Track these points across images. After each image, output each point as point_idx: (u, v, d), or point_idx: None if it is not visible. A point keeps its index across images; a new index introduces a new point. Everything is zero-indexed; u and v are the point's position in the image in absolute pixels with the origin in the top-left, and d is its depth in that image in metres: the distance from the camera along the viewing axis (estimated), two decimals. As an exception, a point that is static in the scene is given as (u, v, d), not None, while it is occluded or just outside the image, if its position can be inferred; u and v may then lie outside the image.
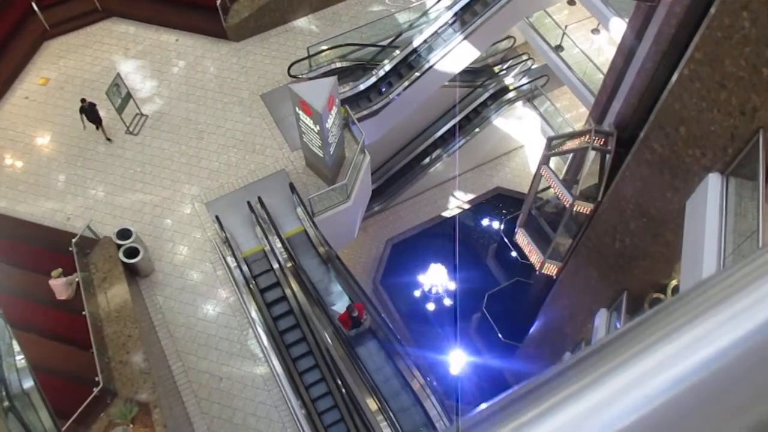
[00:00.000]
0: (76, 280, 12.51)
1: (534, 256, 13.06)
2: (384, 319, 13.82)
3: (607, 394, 0.65)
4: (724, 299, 0.68)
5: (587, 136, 10.89)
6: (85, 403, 10.80)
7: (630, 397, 0.64)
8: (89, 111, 14.84)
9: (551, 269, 12.77)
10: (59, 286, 12.33)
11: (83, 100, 14.80)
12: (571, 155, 11.99)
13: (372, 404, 12.21)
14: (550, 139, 11.98)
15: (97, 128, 15.29)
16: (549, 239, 12.37)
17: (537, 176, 11.97)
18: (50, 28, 17.00)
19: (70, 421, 10.62)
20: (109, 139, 15.38)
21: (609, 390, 0.65)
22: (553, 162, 22.01)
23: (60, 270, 12.35)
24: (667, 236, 8.86)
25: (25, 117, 15.82)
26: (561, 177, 11.48)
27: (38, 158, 15.24)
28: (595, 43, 19.60)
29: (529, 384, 0.70)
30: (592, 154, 10.49)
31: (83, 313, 11.97)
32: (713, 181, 7.16)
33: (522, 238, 13.30)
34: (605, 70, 11.96)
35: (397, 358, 13.41)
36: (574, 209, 10.75)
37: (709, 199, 6.95)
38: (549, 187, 12.13)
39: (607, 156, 10.51)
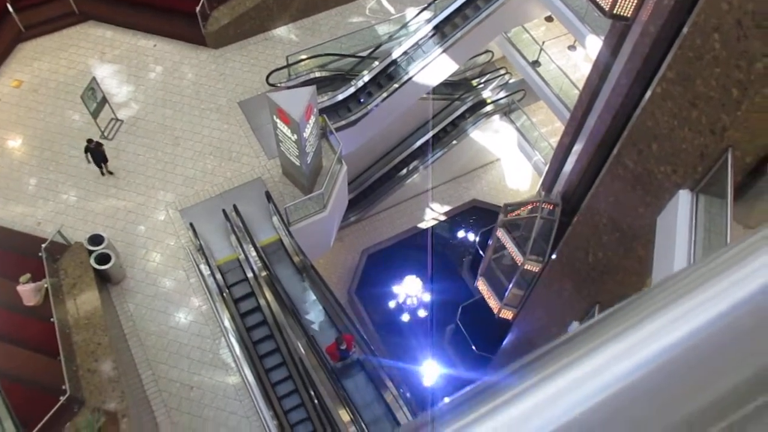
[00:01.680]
0: (45, 286, 12.27)
1: (492, 302, 14.91)
2: (371, 349, 13.62)
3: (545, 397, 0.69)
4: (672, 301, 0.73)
5: (536, 205, 12.79)
6: (51, 412, 10.56)
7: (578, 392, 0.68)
8: (95, 151, 14.30)
9: (507, 314, 14.65)
10: (27, 291, 12.08)
11: (89, 141, 14.23)
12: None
13: (344, 415, 12.14)
14: (505, 206, 13.75)
15: (101, 167, 14.71)
16: (505, 288, 14.10)
17: (494, 237, 13.83)
18: (25, 30, 16.77)
19: (35, 430, 10.38)
20: (110, 173, 14.88)
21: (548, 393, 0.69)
22: (532, 177, 22.20)
23: (28, 275, 12.10)
24: (638, 251, 8.98)
25: (-3, 119, 15.55)
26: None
27: (9, 161, 14.97)
28: (572, 60, 19.90)
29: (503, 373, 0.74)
30: (540, 221, 12.29)
31: (51, 319, 11.74)
32: (683, 198, 7.29)
33: (482, 285, 15.15)
34: (581, 86, 12.16)
35: (385, 391, 13.26)
36: (524, 267, 12.62)
37: (680, 215, 7.08)
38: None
39: (554, 224, 12.22)
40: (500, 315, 14.88)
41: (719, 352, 0.68)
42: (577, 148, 11.80)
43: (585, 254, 10.60)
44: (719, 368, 0.68)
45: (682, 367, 0.68)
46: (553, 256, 12.10)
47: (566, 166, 12.56)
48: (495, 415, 0.69)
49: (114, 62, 16.81)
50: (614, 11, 9.07)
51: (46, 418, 10.50)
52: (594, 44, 14.65)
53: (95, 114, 14.90)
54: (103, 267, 12.90)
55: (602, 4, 9.10)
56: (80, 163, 15.01)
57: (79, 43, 17.06)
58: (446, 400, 0.77)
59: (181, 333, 13.17)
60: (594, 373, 0.69)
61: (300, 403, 12.98)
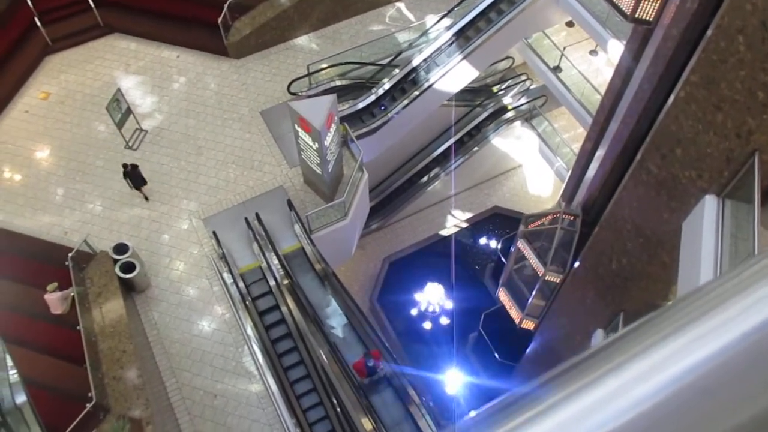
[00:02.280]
0: (72, 294, 12.45)
1: (514, 312, 14.86)
2: (400, 367, 13.49)
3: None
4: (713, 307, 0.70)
5: (556, 215, 12.82)
6: (78, 419, 10.70)
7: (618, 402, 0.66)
8: (132, 174, 14.33)
9: (529, 324, 14.58)
10: (54, 300, 12.28)
11: (125, 166, 14.26)
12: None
13: (367, 423, 12.11)
14: (526, 217, 13.85)
15: (139, 189, 14.69)
16: (526, 299, 14.07)
17: (515, 248, 13.89)
18: (52, 43, 17.12)
19: (62, 437, 10.52)
20: (147, 199, 14.85)
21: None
22: (554, 183, 22.04)
23: (55, 284, 12.30)
24: (663, 257, 8.86)
25: (25, 131, 15.87)
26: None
27: (37, 172, 15.25)
28: (593, 65, 19.75)
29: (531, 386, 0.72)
30: (560, 232, 12.30)
31: (78, 327, 11.91)
32: (709, 203, 7.18)
33: (504, 295, 15.15)
34: (603, 91, 12.07)
35: (411, 406, 13.17)
36: (545, 278, 12.67)
37: (705, 220, 6.96)
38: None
39: (575, 235, 12.23)
40: (522, 325, 14.80)
41: (753, 370, 0.65)
42: (600, 153, 11.69)
43: (608, 261, 10.47)
44: (752, 388, 0.65)
45: (713, 384, 0.65)
46: (575, 265, 12.00)
47: (589, 171, 12.44)
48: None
49: (138, 73, 17.08)
50: (636, 15, 9.00)
51: (72, 425, 10.64)
52: (616, 49, 14.53)
53: (120, 125, 15.14)
54: (127, 276, 13.06)
55: (624, 9, 9.03)
56: (105, 173, 15.24)
57: (104, 55, 17.37)
58: (472, 413, 0.75)
59: (204, 341, 13.27)
60: (620, 391, 0.67)
61: (323, 413, 12.97)
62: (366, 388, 13.11)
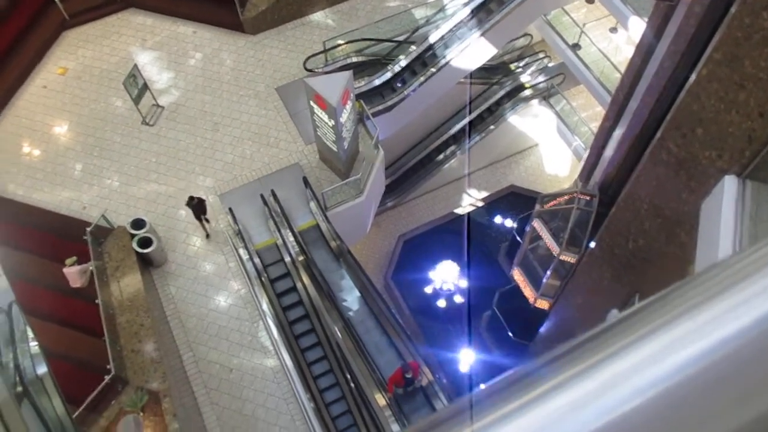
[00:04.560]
0: (90, 268, 12.62)
1: (528, 292, 14.91)
2: (439, 378, 13.13)
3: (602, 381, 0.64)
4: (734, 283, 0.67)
5: (573, 195, 12.79)
6: (97, 391, 10.91)
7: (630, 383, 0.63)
8: (197, 207, 13.63)
9: (543, 304, 14.64)
10: (73, 274, 12.45)
11: (191, 198, 13.64)
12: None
13: (380, 399, 12.23)
14: (542, 197, 13.83)
15: (201, 222, 14.00)
16: (541, 278, 14.15)
17: (531, 227, 13.90)
18: (69, 18, 17.13)
19: (82, 407, 10.74)
20: (208, 236, 14.12)
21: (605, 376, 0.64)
22: (571, 162, 21.87)
23: (74, 258, 12.46)
24: (681, 237, 8.78)
25: (43, 106, 15.97)
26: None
27: (55, 147, 15.38)
28: (613, 42, 19.44)
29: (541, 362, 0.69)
30: (577, 212, 12.34)
31: (96, 301, 12.08)
32: (729, 184, 7.08)
33: (518, 274, 15.21)
34: (623, 69, 11.90)
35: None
36: (561, 258, 12.73)
37: (725, 201, 6.87)
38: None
39: (591, 215, 12.23)
40: (536, 305, 14.78)
41: None
42: (618, 132, 11.56)
43: (625, 241, 10.40)
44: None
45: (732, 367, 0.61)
46: (591, 245, 11.93)
47: (606, 151, 12.32)
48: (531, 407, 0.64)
49: (154, 49, 17.08)
50: (659, -9, 8.82)
51: (92, 396, 10.86)
52: (637, 26, 14.28)
53: (137, 100, 15.19)
54: (145, 250, 13.20)
55: (646, -16, 8.85)
56: (122, 149, 15.34)
57: (120, 30, 17.37)
58: (483, 386, 0.73)
59: (220, 316, 13.42)
60: (630, 373, 0.63)
61: (335, 384, 13.12)
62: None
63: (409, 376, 12.16)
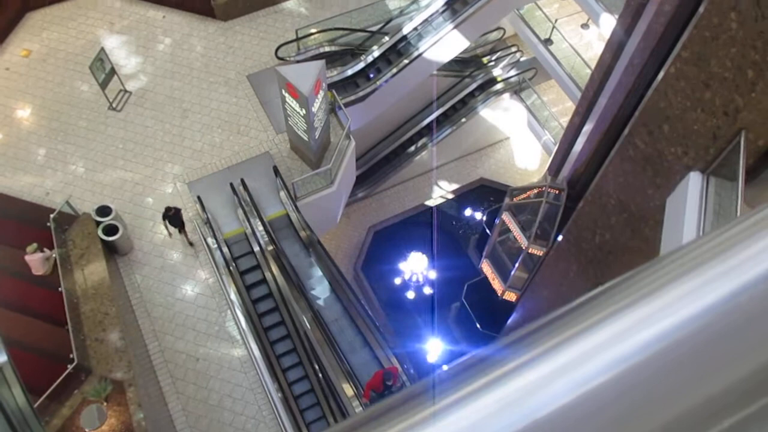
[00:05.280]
0: (54, 255, 12.36)
1: (497, 284, 15.03)
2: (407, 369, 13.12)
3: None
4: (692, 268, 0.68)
5: (542, 189, 12.92)
6: (59, 380, 10.72)
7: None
8: (174, 218, 13.28)
9: (511, 296, 14.77)
10: (36, 261, 12.18)
11: (168, 209, 13.23)
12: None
13: (348, 390, 12.25)
14: (511, 190, 13.88)
15: (180, 232, 13.73)
16: (509, 271, 14.27)
17: (500, 220, 13.99)
18: (34, -1, 16.67)
19: (43, 397, 10.54)
20: (191, 244, 13.80)
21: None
22: (541, 156, 22.06)
23: (35, 245, 12.18)
24: (646, 232, 8.94)
25: (6, 89, 15.53)
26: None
27: (18, 131, 14.98)
28: (585, 38, 19.64)
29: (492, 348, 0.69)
30: (545, 206, 12.50)
31: (59, 289, 11.85)
32: (694, 180, 7.23)
33: (487, 267, 15.28)
34: (593, 65, 12.02)
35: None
36: (529, 251, 12.87)
37: (689, 197, 7.02)
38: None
39: (559, 209, 12.43)
40: (504, 297, 14.93)
41: (734, 334, 0.62)
42: (588, 128, 11.70)
43: (592, 235, 10.56)
44: (728, 354, 0.61)
45: (689, 350, 0.62)
46: (559, 238, 12.09)
47: (576, 146, 12.47)
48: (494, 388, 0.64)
49: (123, 33, 16.72)
50: (629, -11, 8.93)
51: (54, 386, 10.66)
52: (608, 23, 14.44)
53: (104, 85, 14.87)
54: (110, 238, 12.97)
55: (617, -19, 8.95)
56: (88, 134, 15.02)
57: (87, 13, 16.96)
58: (445, 367, 0.73)
59: (187, 305, 13.27)
60: (583, 358, 0.63)
61: (304, 376, 13.10)
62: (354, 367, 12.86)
63: (389, 382, 11.89)
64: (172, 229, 13.67)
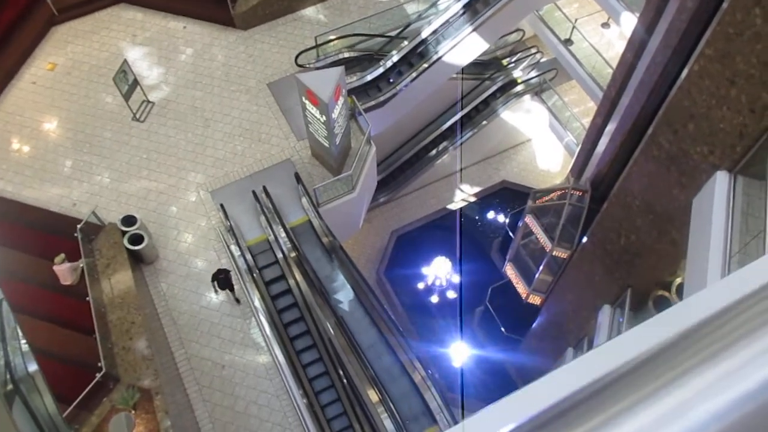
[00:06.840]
0: (81, 265, 12.54)
1: (521, 287, 14.88)
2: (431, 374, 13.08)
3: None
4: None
5: (565, 191, 12.81)
6: (88, 389, 10.85)
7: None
8: (224, 281, 13.05)
9: (535, 299, 14.61)
10: (64, 271, 12.37)
11: (219, 272, 12.95)
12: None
13: (373, 396, 12.22)
14: (534, 193, 13.81)
15: (232, 291, 13.43)
16: (533, 274, 14.12)
17: (523, 223, 13.85)
18: (58, 14, 16.97)
19: (73, 405, 10.68)
20: (238, 301, 13.48)
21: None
22: (563, 158, 21.90)
23: (63, 256, 12.37)
24: (672, 234, 8.80)
25: (33, 102, 15.84)
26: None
27: (45, 143, 15.26)
28: (605, 38, 19.45)
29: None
30: (569, 208, 12.35)
31: (87, 298, 12.01)
32: (721, 179, 7.10)
33: (510, 270, 15.18)
34: (615, 65, 11.89)
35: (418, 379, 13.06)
36: (553, 253, 12.68)
37: (716, 197, 6.89)
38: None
39: (583, 210, 12.27)
40: (528, 300, 14.80)
41: None
42: (610, 128, 11.57)
43: (617, 237, 10.42)
44: None
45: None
46: (583, 241, 11.95)
47: (598, 146, 12.33)
48: None
49: (145, 44, 16.95)
50: (650, -13, 8.82)
51: (83, 394, 10.79)
52: (629, 21, 14.28)
53: (127, 96, 15.08)
54: (136, 247, 13.12)
55: (638, -20, 8.85)
56: (113, 145, 15.24)
57: (110, 25, 17.23)
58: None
59: (212, 313, 13.37)
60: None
61: (329, 383, 13.10)
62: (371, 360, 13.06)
63: None
64: (219, 290, 13.36)
